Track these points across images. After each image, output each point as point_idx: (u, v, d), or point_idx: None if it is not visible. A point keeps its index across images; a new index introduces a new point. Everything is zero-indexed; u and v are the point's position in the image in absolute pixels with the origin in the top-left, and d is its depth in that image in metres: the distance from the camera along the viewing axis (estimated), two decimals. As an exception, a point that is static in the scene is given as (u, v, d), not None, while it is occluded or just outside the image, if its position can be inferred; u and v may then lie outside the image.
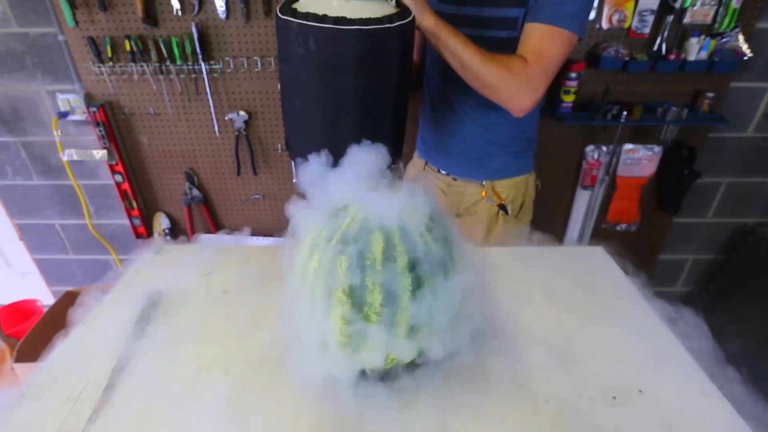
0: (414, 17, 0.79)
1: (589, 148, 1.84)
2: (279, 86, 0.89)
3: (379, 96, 0.81)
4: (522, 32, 0.91)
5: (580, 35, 0.89)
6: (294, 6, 0.77)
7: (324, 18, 0.71)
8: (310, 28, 0.72)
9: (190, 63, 1.64)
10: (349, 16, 0.71)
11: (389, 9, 0.78)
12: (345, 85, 0.77)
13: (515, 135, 1.10)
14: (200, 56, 1.61)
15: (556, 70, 0.90)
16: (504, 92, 0.88)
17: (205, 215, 2.02)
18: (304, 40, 0.73)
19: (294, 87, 0.82)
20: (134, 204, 1.97)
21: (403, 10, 0.79)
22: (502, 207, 1.15)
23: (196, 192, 1.95)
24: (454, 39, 0.84)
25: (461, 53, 0.84)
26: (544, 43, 0.87)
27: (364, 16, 0.73)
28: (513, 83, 0.87)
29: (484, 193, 1.15)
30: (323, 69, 0.76)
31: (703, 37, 1.56)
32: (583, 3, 0.87)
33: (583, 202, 1.97)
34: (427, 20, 0.82)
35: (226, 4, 1.55)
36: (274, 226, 2.06)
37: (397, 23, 0.74)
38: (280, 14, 0.76)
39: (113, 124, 1.80)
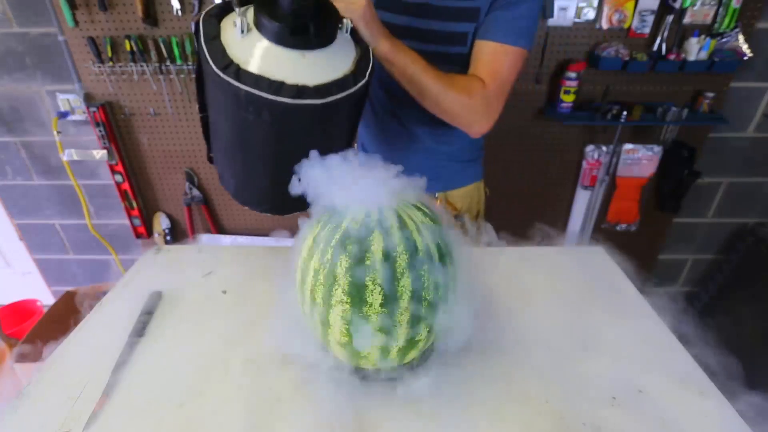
0: (373, 60, 0.71)
1: (589, 148, 1.84)
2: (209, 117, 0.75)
3: (330, 148, 0.68)
4: (474, 49, 0.87)
5: (530, 49, 0.86)
6: (224, 44, 0.61)
7: (280, 88, 0.59)
8: (264, 100, 0.59)
9: (190, 63, 1.64)
10: (306, 79, 0.60)
11: (347, 52, 0.67)
12: (294, 147, 0.65)
13: (465, 145, 1.07)
14: (200, 56, 1.61)
15: (511, 89, 0.88)
16: (465, 119, 0.85)
17: (205, 215, 2.02)
18: (254, 109, 0.61)
19: (232, 139, 0.71)
20: (134, 204, 1.97)
21: (362, 53, 0.69)
22: (457, 218, 1.11)
23: (196, 192, 1.96)
24: (412, 66, 0.77)
25: (419, 81, 0.78)
26: (498, 62, 0.84)
27: (322, 76, 0.62)
28: (474, 109, 0.84)
29: (438, 205, 1.10)
30: (271, 135, 0.66)
31: (703, 37, 1.57)
32: (534, 17, 0.85)
33: (583, 202, 1.97)
34: (381, 46, 0.74)
35: (226, 4, 1.55)
36: (274, 226, 2.07)
37: (361, 84, 0.65)
38: (218, 70, 0.59)
39: (113, 124, 1.80)
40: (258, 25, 0.62)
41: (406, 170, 0.65)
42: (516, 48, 0.83)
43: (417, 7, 0.88)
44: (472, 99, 0.82)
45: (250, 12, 0.63)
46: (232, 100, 0.62)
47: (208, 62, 0.61)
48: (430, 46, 0.89)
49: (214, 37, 0.62)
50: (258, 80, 0.59)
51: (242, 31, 0.61)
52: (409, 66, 0.77)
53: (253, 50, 0.61)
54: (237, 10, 0.61)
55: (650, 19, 1.56)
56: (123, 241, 2.11)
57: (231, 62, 0.60)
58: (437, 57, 0.87)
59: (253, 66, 0.60)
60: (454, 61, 0.90)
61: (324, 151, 0.59)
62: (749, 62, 1.60)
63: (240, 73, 0.59)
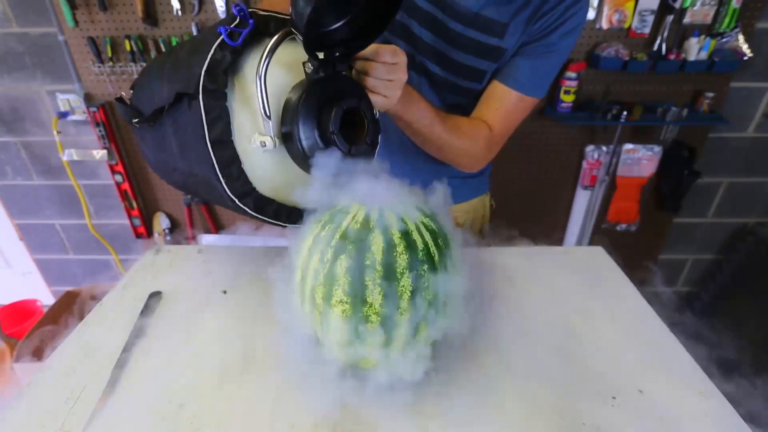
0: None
1: (589, 148, 1.84)
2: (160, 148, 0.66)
3: None
4: (489, 87, 0.84)
5: (545, 96, 0.84)
6: (239, 155, 0.54)
7: (300, 217, 0.58)
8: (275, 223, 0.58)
9: (190, 63, 1.63)
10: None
11: None
12: None
13: None
14: (200, 56, 1.61)
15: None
16: (464, 165, 0.86)
17: (205, 215, 2.02)
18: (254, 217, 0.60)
19: (196, 192, 0.67)
20: (134, 204, 1.97)
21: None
22: None
23: (196, 192, 1.95)
24: (419, 122, 0.74)
25: (425, 134, 0.76)
26: (511, 110, 0.83)
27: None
28: (475, 156, 0.84)
29: None
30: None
31: (703, 37, 1.57)
32: (557, 69, 0.82)
33: (583, 202, 1.97)
34: (394, 107, 0.68)
35: (226, 4, 1.55)
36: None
37: None
38: (232, 195, 0.54)
39: (113, 124, 1.80)
40: (289, 146, 0.54)
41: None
42: (531, 98, 0.83)
43: (446, 30, 0.80)
44: (475, 147, 0.82)
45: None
46: (228, 204, 0.56)
47: (219, 181, 0.52)
48: (445, 72, 0.85)
49: (225, 146, 0.52)
50: (278, 211, 0.56)
51: (269, 149, 0.54)
52: (415, 122, 0.74)
53: (279, 174, 0.56)
54: (267, 120, 0.51)
55: (650, 19, 1.56)
56: (123, 241, 2.12)
57: (252, 190, 0.55)
58: (448, 85, 0.85)
59: (274, 191, 0.56)
60: (463, 93, 0.86)
61: None
62: (749, 62, 1.60)
63: (259, 202, 0.55)
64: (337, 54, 0.55)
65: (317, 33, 0.52)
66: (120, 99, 0.73)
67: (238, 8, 0.52)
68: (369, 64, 0.59)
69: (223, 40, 0.51)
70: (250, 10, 0.54)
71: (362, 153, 0.58)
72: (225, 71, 0.52)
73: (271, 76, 0.52)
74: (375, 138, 0.61)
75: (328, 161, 0.53)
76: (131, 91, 0.73)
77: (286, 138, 0.54)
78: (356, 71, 0.61)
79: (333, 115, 0.53)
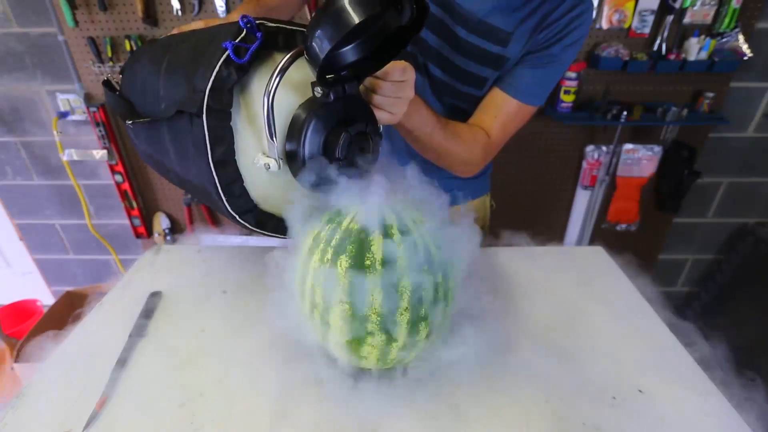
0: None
1: (589, 148, 1.84)
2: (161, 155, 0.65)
3: None
4: (489, 94, 0.84)
5: (543, 104, 0.85)
6: (242, 174, 0.53)
7: None
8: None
9: (190, 63, 1.63)
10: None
11: None
12: None
13: None
14: (200, 56, 1.60)
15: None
16: (462, 170, 0.86)
17: (205, 215, 2.02)
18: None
19: (187, 189, 0.66)
20: (134, 204, 1.97)
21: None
22: None
23: (196, 192, 1.95)
24: (419, 129, 0.73)
25: (427, 141, 0.76)
26: (510, 119, 0.83)
27: None
28: (472, 163, 0.84)
29: None
30: None
31: (703, 37, 1.57)
32: (557, 78, 0.83)
33: (583, 202, 1.97)
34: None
35: (226, 4, 1.55)
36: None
37: None
38: (234, 213, 0.54)
39: (113, 124, 1.80)
40: (293, 165, 0.53)
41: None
42: (530, 107, 0.83)
43: (451, 35, 0.80)
44: (473, 155, 0.82)
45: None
46: (227, 217, 0.55)
47: (221, 198, 0.52)
48: (447, 76, 0.84)
49: (228, 165, 0.51)
50: (278, 225, 0.56)
51: (271, 169, 0.53)
52: (416, 129, 0.73)
53: (281, 191, 0.55)
54: (273, 142, 0.49)
55: (650, 19, 1.56)
56: (123, 241, 2.11)
57: (254, 207, 0.55)
58: (448, 89, 0.85)
59: (275, 207, 0.56)
60: (463, 98, 0.87)
61: None
62: (749, 62, 1.60)
63: (260, 218, 0.55)
64: (345, 72, 0.54)
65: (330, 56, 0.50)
66: (107, 83, 0.69)
67: (245, 20, 0.50)
68: (377, 81, 0.59)
69: (228, 56, 0.48)
70: (258, 22, 0.51)
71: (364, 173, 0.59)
72: (230, 90, 0.49)
73: (278, 95, 0.49)
74: (377, 155, 0.61)
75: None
76: (120, 76, 0.70)
77: (290, 156, 0.53)
78: (363, 86, 0.60)
79: (341, 142, 0.52)
